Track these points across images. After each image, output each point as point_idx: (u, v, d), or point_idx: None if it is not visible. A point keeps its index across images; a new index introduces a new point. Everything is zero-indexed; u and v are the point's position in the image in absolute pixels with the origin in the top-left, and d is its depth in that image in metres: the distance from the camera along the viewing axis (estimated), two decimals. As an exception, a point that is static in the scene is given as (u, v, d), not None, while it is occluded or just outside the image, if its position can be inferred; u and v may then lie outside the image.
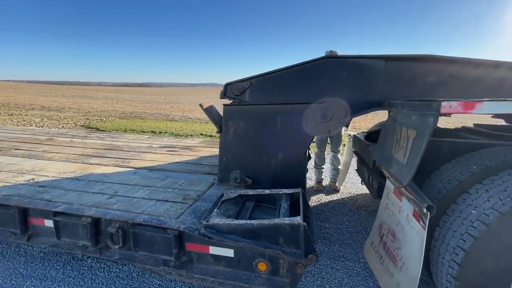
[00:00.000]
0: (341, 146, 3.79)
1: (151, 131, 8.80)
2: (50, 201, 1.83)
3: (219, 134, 2.21)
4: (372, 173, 2.53)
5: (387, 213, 2.01)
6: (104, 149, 3.37)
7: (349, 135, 3.48)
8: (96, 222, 1.70)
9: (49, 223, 1.78)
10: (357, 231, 2.84)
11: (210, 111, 2.30)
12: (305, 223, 1.40)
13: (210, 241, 1.52)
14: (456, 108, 1.37)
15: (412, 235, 1.58)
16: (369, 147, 2.47)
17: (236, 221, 1.47)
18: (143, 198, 1.91)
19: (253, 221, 1.46)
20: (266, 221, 1.44)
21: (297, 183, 2.02)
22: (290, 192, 1.82)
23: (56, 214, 1.73)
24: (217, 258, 1.60)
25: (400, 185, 1.66)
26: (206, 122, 10.75)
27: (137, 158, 3.01)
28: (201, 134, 8.44)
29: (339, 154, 3.81)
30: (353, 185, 4.11)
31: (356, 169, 3.57)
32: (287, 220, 1.42)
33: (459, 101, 1.38)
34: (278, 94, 2.05)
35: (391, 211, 1.93)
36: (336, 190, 3.85)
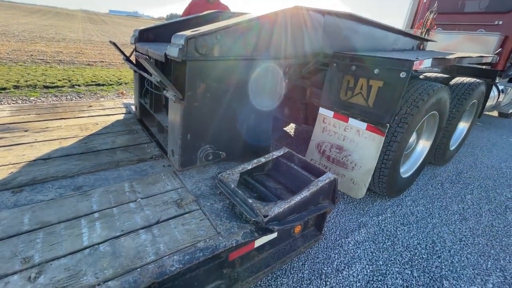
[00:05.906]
0: None
1: None
2: None
3: (174, 99, 1.61)
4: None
5: (325, 134, 2.49)
6: None
7: None
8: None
9: None
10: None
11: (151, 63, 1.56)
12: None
13: (255, 235, 1.38)
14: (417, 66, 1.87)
15: (366, 143, 2.14)
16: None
17: (292, 201, 1.39)
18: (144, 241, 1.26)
19: (304, 192, 1.43)
20: (313, 187, 1.46)
21: (264, 147, 2.01)
22: (282, 153, 1.82)
23: None
24: (261, 248, 1.50)
25: (376, 123, 2.05)
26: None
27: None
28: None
29: None
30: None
31: None
32: (325, 179, 1.51)
33: (418, 60, 1.87)
34: (250, 48, 1.71)
35: (331, 132, 2.42)
36: None
